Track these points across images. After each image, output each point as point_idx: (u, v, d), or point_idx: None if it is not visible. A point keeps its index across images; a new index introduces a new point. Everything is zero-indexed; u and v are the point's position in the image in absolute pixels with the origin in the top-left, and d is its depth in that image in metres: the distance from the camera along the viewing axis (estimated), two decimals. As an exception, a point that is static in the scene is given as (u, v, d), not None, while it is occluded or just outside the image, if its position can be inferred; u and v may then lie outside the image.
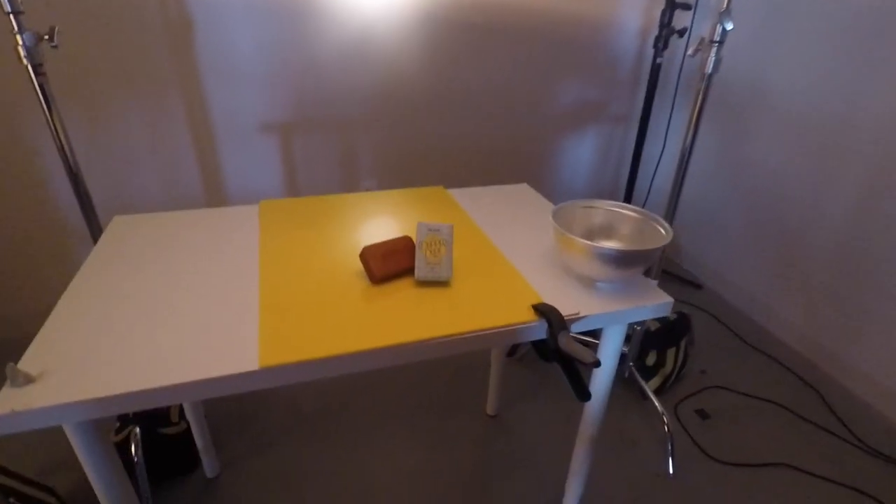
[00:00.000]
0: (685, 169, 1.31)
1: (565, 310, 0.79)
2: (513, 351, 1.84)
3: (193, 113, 1.70)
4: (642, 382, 1.62)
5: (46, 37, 1.02)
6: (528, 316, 0.77)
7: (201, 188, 1.83)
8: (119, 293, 0.78)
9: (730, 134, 2.08)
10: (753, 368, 1.83)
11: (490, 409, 1.59)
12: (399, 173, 2.07)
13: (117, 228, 0.99)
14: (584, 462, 1.07)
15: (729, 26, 1.05)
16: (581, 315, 0.79)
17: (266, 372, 0.65)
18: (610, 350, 0.91)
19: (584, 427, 1.02)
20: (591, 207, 0.94)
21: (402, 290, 0.82)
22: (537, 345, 0.79)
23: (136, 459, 1.22)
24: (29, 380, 0.61)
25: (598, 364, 0.68)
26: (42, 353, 0.66)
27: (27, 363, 0.64)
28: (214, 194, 1.86)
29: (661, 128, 2.38)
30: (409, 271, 0.85)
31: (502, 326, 0.75)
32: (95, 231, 1.22)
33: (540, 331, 0.78)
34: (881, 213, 1.59)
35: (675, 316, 1.76)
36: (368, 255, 0.81)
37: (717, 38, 1.10)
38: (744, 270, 2.13)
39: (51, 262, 1.77)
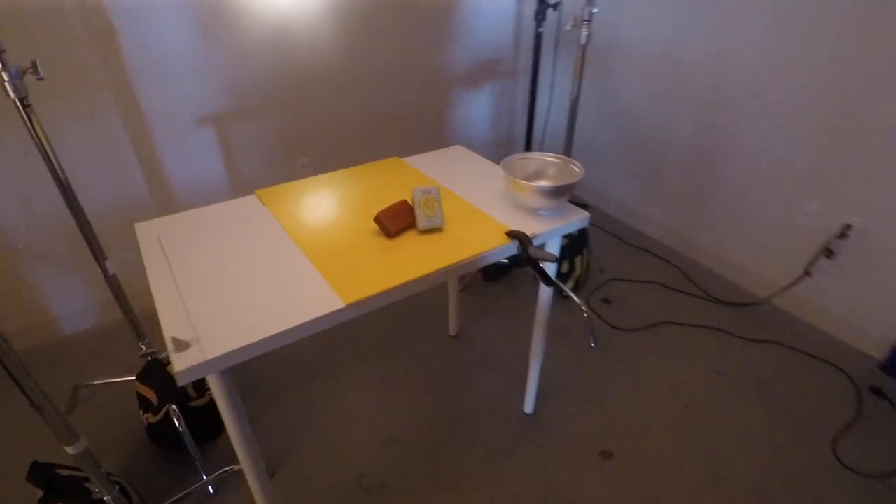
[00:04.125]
0: (574, 116, 1.71)
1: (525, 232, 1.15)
2: (464, 284, 2.21)
3: (129, 116, 1.75)
4: (562, 286, 2.09)
5: (30, 70, 1.10)
6: (504, 240, 1.11)
7: (145, 188, 1.89)
8: (201, 276, 0.99)
9: (598, 80, 2.55)
10: (635, 261, 2.39)
11: (452, 331, 1.96)
12: (329, 149, 2.26)
13: (145, 234, 1.14)
14: (540, 343, 1.48)
15: (595, 10, 1.42)
16: (536, 233, 1.15)
17: (349, 307, 0.93)
18: (555, 252, 1.30)
19: (539, 315, 1.42)
20: (526, 158, 1.29)
21: (411, 240, 1.11)
22: (512, 258, 1.14)
23: (181, 429, 1.41)
24: (187, 346, 0.83)
25: (557, 259, 1.05)
26: (174, 327, 0.87)
27: (171, 332, 0.85)
28: (160, 193, 1.93)
29: (547, 82, 2.79)
30: (412, 225, 1.14)
31: (488, 250, 1.09)
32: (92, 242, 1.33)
33: (512, 248, 1.13)
34: (714, 129, 2.15)
35: (575, 232, 2.24)
36: (383, 217, 1.09)
37: (586, 17, 1.48)
38: (619, 188, 2.67)
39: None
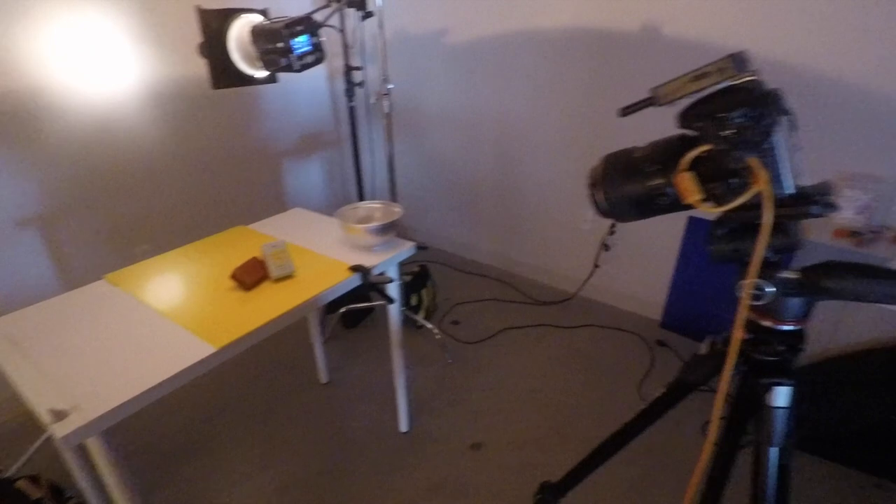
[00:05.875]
0: (393, 171, 2.04)
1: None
2: (326, 334, 2.35)
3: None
4: (414, 316, 2.35)
5: None
6: (348, 274, 1.34)
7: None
8: (67, 356, 1.03)
9: (413, 139, 2.98)
10: (472, 285, 2.78)
11: (323, 379, 2.09)
12: (169, 232, 2.29)
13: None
14: (400, 360, 1.70)
15: (391, 86, 1.79)
16: (374, 265, 1.40)
17: (220, 351, 1.06)
18: (392, 276, 1.55)
19: (392, 334, 1.65)
20: (354, 208, 1.55)
21: (268, 289, 1.28)
22: (357, 287, 1.36)
23: (46, 540, 1.32)
24: (65, 415, 0.89)
25: (392, 280, 1.31)
26: (47, 403, 0.92)
27: (45, 406, 0.90)
28: (-27, 307, 1.78)
29: (367, 146, 3.15)
30: (265, 277, 1.31)
31: (335, 284, 1.30)
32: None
33: (356, 280, 1.35)
34: (509, 164, 2.66)
35: (418, 268, 2.55)
36: (238, 273, 1.25)
37: (385, 92, 1.83)
38: (448, 226, 3.08)
39: None
